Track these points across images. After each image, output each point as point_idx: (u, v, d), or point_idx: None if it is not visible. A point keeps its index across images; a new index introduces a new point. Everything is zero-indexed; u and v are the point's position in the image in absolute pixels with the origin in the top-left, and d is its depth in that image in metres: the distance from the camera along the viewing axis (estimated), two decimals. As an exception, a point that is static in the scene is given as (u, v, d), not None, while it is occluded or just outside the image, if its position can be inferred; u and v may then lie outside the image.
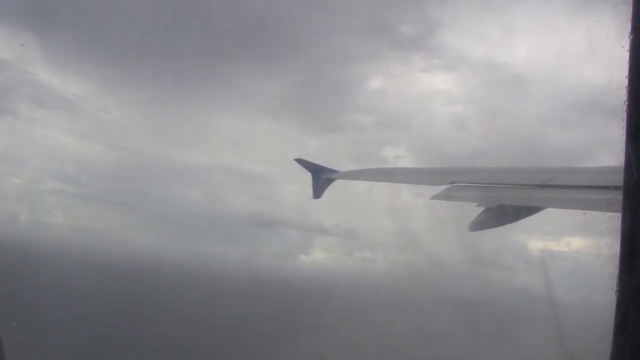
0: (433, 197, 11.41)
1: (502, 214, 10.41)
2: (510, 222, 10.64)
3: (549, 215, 10.37)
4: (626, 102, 3.27)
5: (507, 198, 10.67)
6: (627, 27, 3.23)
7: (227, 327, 44.86)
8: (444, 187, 11.41)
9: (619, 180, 3.30)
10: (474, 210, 10.57)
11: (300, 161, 16.35)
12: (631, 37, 3.20)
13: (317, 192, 15.81)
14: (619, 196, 3.25)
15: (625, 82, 3.30)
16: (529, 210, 10.48)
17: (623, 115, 3.35)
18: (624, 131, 3.24)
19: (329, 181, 15.71)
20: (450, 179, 11.57)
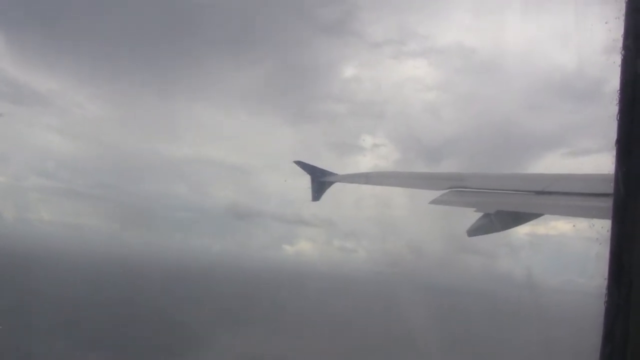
0: (432, 202, 11.44)
1: (500, 219, 10.44)
2: (509, 228, 10.68)
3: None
4: (617, 117, 3.31)
5: (505, 204, 10.71)
6: (619, 43, 3.27)
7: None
8: (442, 191, 11.45)
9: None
10: (473, 216, 10.61)
11: (299, 163, 16.40)
12: (623, 53, 3.24)
13: (316, 195, 15.86)
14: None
15: (617, 96, 3.35)
16: (527, 217, 10.51)
17: (614, 127, 3.40)
18: (615, 146, 3.28)
19: (328, 184, 15.76)
20: (449, 184, 11.61)
